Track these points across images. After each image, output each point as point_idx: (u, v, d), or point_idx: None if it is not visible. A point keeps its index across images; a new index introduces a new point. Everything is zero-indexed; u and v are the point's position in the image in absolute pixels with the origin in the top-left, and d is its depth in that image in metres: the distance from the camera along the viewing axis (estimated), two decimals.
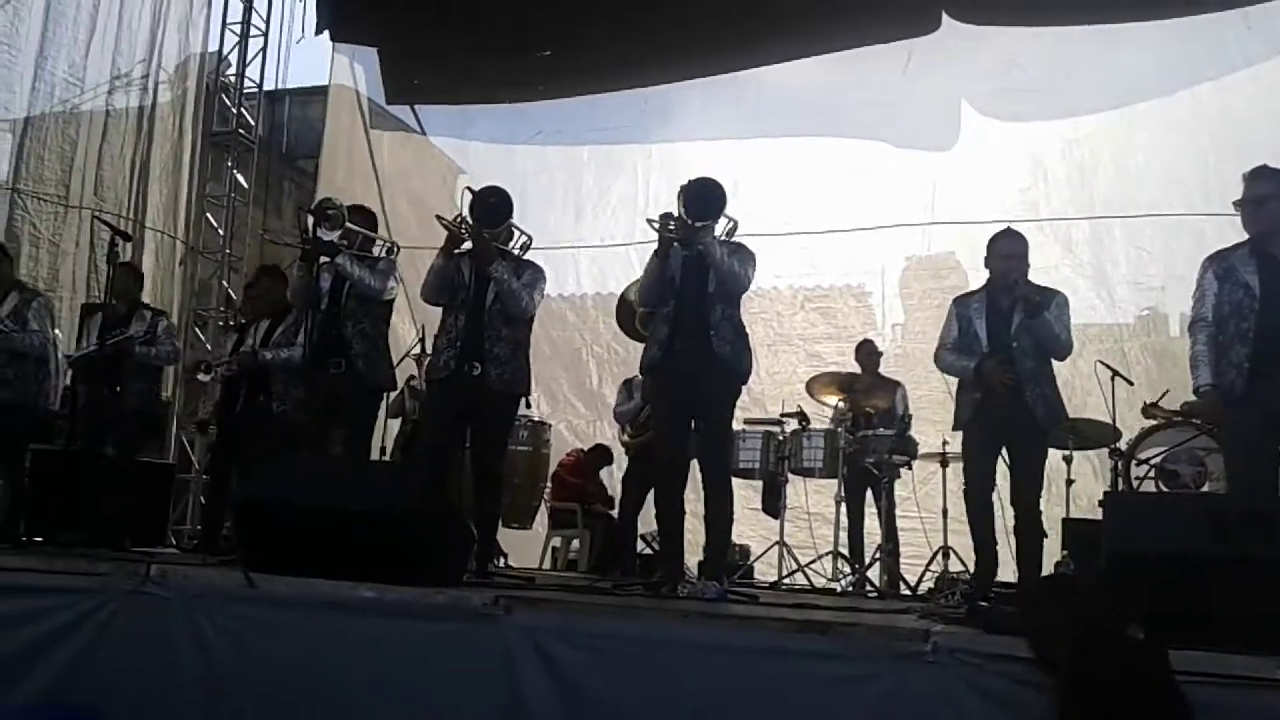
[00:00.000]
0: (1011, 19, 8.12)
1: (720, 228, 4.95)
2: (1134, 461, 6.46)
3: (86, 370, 6.41)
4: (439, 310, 5.38)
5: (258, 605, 3.87)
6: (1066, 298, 5.22)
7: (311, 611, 3.83)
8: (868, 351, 7.42)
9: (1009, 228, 5.36)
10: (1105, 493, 6.12)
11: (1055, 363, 5.23)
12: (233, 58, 10.53)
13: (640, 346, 7.24)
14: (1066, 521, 6.24)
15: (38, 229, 8.98)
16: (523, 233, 5.36)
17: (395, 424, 8.01)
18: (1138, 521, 3.63)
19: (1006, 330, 5.13)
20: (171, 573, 4.02)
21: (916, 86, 8.43)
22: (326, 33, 10.05)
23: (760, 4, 8.54)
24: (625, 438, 7.35)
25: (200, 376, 6.97)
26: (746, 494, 6.96)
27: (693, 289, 4.88)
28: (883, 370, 7.47)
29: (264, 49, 10.59)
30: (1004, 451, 5.18)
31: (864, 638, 3.40)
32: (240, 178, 10.48)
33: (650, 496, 6.95)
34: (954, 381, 5.45)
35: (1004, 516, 5.38)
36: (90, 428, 6.36)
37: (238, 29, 10.52)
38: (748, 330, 5.01)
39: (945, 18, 8.02)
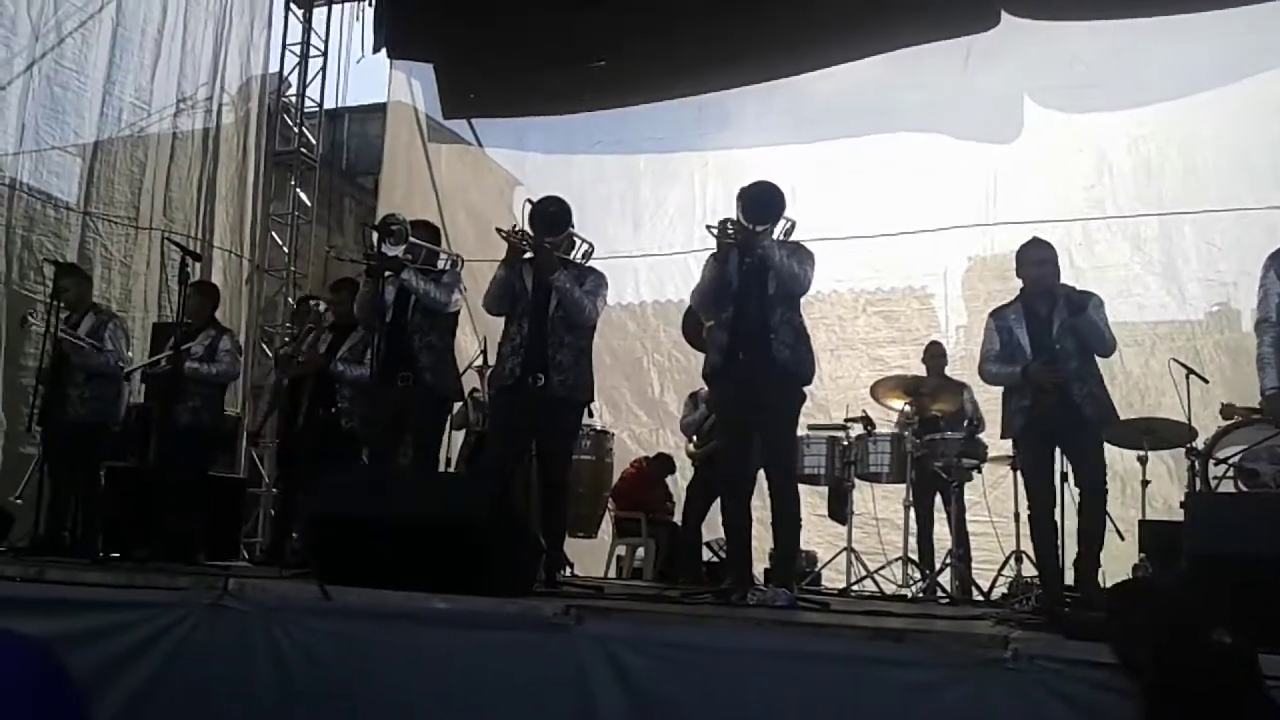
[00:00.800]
0: (1070, 13, 8.01)
1: (778, 228, 4.92)
2: (1211, 461, 6.30)
3: (153, 388, 6.53)
4: (501, 322, 5.41)
5: (332, 617, 3.89)
6: (1102, 299, 5.26)
7: (385, 623, 3.85)
8: (935, 354, 7.34)
9: (1035, 237, 5.42)
10: (1186, 493, 5.96)
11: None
12: (293, 78, 10.74)
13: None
14: (1144, 524, 6.11)
15: (109, 251, 9.21)
16: (584, 240, 5.38)
17: (459, 435, 8.06)
18: (1221, 522, 3.54)
19: (1048, 334, 5.16)
20: (249, 586, 4.07)
21: (976, 82, 8.37)
22: (384, 50, 10.20)
23: (815, 7, 8.51)
24: (691, 448, 7.33)
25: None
26: (813, 500, 6.90)
27: (752, 294, 4.83)
28: (948, 373, 7.37)
29: (323, 68, 10.81)
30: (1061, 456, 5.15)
31: (941, 644, 3.34)
32: (303, 196, 10.68)
33: (716, 504, 7.02)
34: None
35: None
36: (156, 444, 6.47)
37: (297, 49, 10.72)
38: (809, 333, 4.97)
39: (1004, 14, 7.94)
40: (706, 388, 7.10)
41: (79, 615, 4.16)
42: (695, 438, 7.25)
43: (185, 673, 3.98)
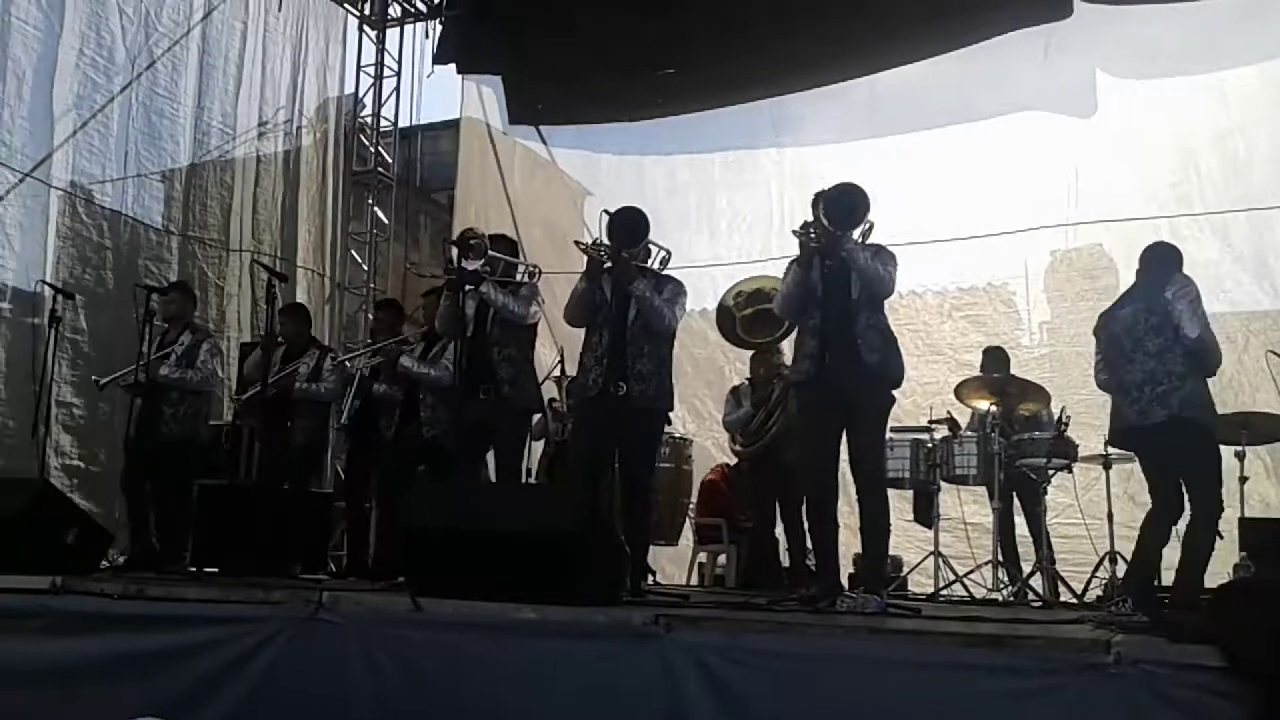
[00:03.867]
0: None
1: (858, 230, 4.86)
2: None
3: (259, 407, 6.67)
4: (579, 333, 5.43)
5: (425, 629, 3.94)
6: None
7: (476, 634, 3.88)
8: (997, 358, 7.18)
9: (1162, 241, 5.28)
10: None
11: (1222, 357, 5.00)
12: (367, 99, 10.94)
13: (743, 355, 7.25)
14: (1243, 521, 5.91)
15: (206, 273, 9.51)
16: (661, 248, 5.38)
17: (538, 445, 8.10)
18: None
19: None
20: (342, 599, 4.13)
21: (1052, 72, 8.21)
22: (453, 66, 10.33)
23: (887, 6, 8.43)
24: (737, 447, 7.28)
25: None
26: (898, 505, 6.81)
27: (836, 298, 4.79)
28: (1036, 370, 7.24)
29: (397, 88, 10.98)
30: None
31: (1040, 650, 3.27)
32: (380, 214, 10.86)
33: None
34: None
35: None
36: (263, 462, 6.61)
37: (371, 70, 10.91)
38: (896, 336, 4.91)
39: (1077, 2, 7.81)
40: (747, 384, 7.14)
41: (178, 631, 4.27)
42: (739, 435, 7.16)
43: (282, 686, 4.06)
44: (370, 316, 10.19)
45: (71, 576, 4.62)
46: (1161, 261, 5.11)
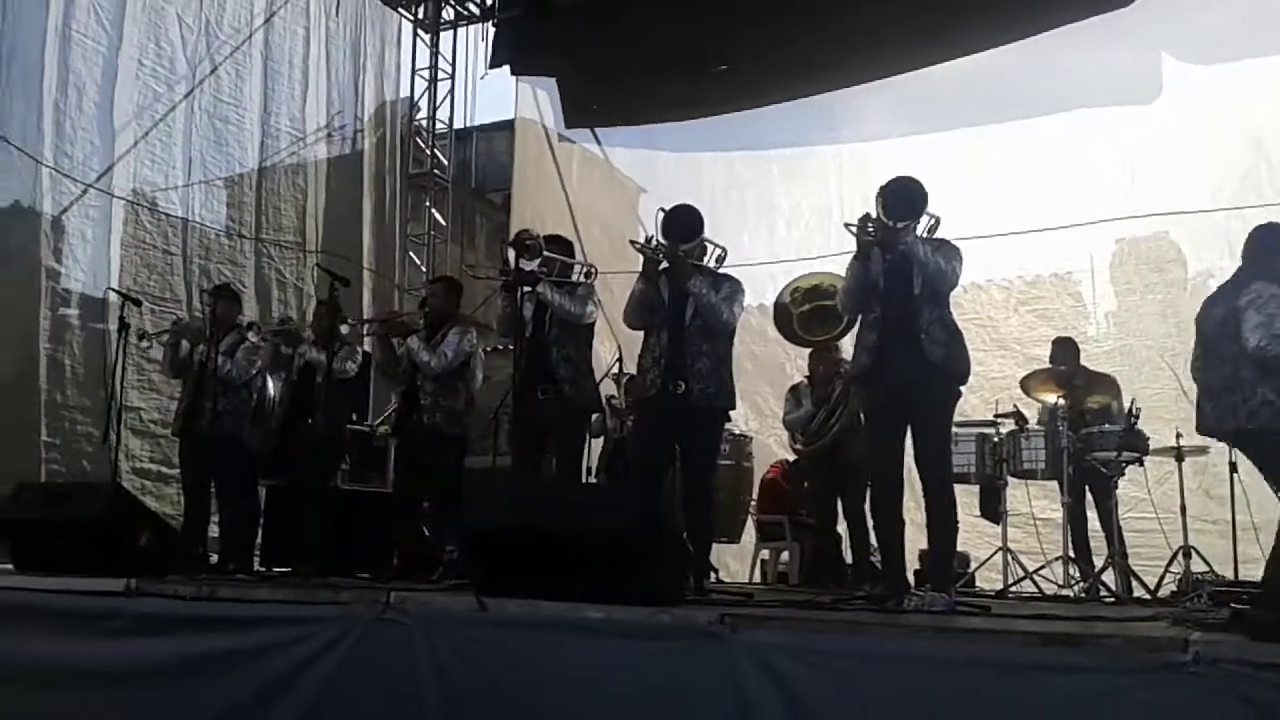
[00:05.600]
0: None
1: (921, 225, 4.79)
2: None
3: (289, 403, 6.75)
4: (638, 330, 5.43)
5: (490, 628, 3.95)
6: None
7: (542, 633, 3.88)
8: (1068, 349, 7.03)
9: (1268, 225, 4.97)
10: None
11: None
12: (422, 101, 11.04)
13: (803, 351, 7.18)
14: None
15: (283, 274, 9.70)
16: (717, 246, 5.35)
17: (597, 443, 8.10)
18: None
19: None
20: (410, 599, 4.16)
21: (1115, 59, 8.04)
22: (507, 68, 10.38)
23: (936, 2, 8.33)
24: (798, 446, 7.22)
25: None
26: (964, 500, 6.71)
27: (898, 292, 4.71)
28: (1104, 363, 7.10)
29: (451, 90, 11.07)
30: None
31: (1116, 648, 3.19)
32: (437, 215, 10.96)
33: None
34: (1187, 376, 5.11)
35: (1249, 511, 5.01)
36: (292, 458, 6.64)
37: (425, 73, 11.01)
38: (962, 330, 4.83)
39: None
40: (806, 383, 7.07)
41: (248, 632, 4.33)
42: (800, 434, 7.09)
43: (351, 686, 4.09)
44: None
45: (144, 579, 4.70)
46: (1257, 257, 4.93)
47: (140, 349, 7.57)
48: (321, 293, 8.90)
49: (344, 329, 6.51)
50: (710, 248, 5.33)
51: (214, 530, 6.92)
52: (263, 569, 6.77)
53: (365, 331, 7.01)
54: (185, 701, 4.31)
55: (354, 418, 7.55)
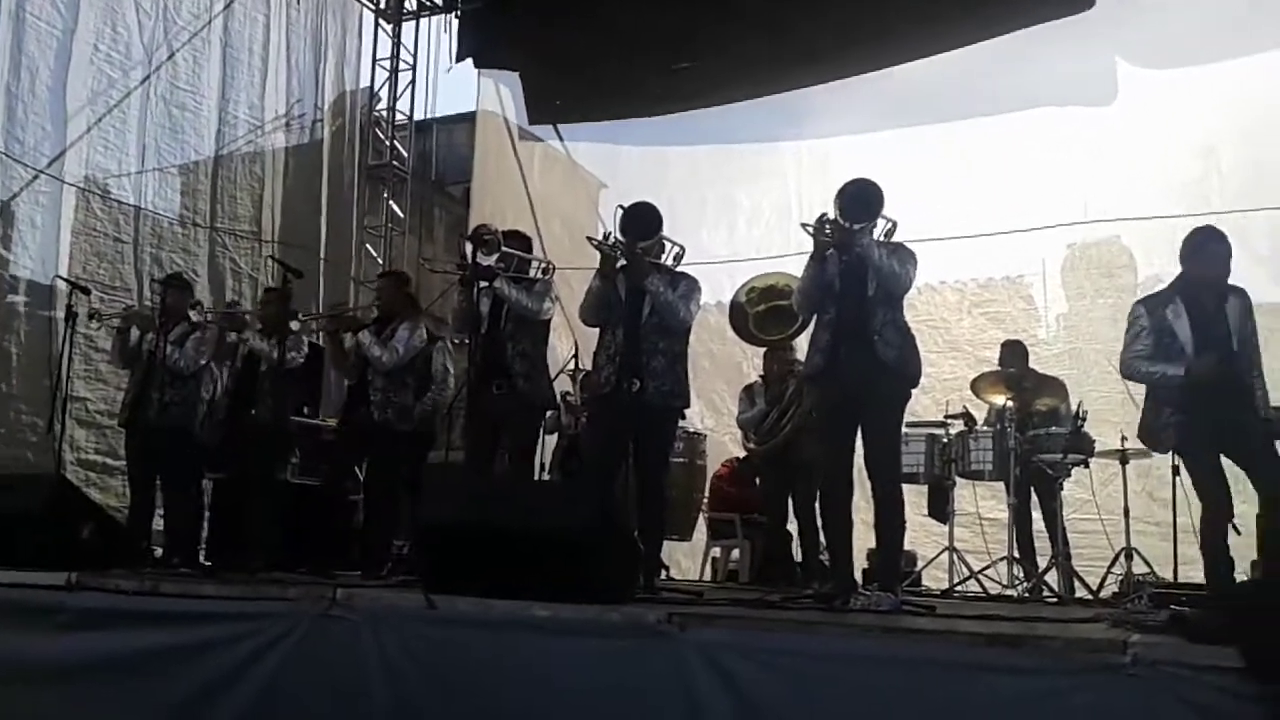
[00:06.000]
0: None
1: (879, 228, 4.83)
2: None
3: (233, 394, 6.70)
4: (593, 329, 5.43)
5: (439, 626, 3.94)
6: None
7: (490, 631, 3.88)
8: (1016, 353, 7.13)
9: (1211, 226, 5.08)
10: None
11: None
12: (383, 92, 10.95)
13: (760, 350, 7.23)
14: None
15: (238, 264, 9.56)
16: (675, 244, 5.36)
17: (551, 439, 8.09)
18: None
19: (1220, 331, 4.84)
20: (358, 596, 4.14)
21: (1072, 62, 8.15)
22: (470, 61, 10.32)
23: (901, 3, 8.39)
24: (751, 445, 7.26)
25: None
26: (913, 499, 6.78)
27: (853, 294, 4.75)
28: (1053, 365, 7.20)
29: (412, 81, 10.98)
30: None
31: (1058, 650, 3.25)
32: (395, 208, 10.87)
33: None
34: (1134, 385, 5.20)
35: (1190, 514, 5.08)
36: (237, 450, 6.56)
37: (387, 64, 10.92)
38: (914, 333, 4.88)
39: None
40: (760, 382, 7.11)
41: (192, 628, 4.29)
42: (753, 434, 7.13)
43: (297, 682, 4.07)
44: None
45: (87, 573, 4.63)
46: (1182, 260, 5.05)
47: (90, 328, 7.45)
48: (277, 284, 8.82)
49: (294, 325, 6.45)
50: (668, 245, 5.34)
51: (159, 524, 6.82)
52: (208, 563, 6.68)
53: (314, 327, 6.93)
54: (129, 698, 4.26)
55: (304, 410, 7.46)
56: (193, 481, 6.78)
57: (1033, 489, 6.78)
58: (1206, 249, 4.92)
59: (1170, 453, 5.06)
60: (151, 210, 9.00)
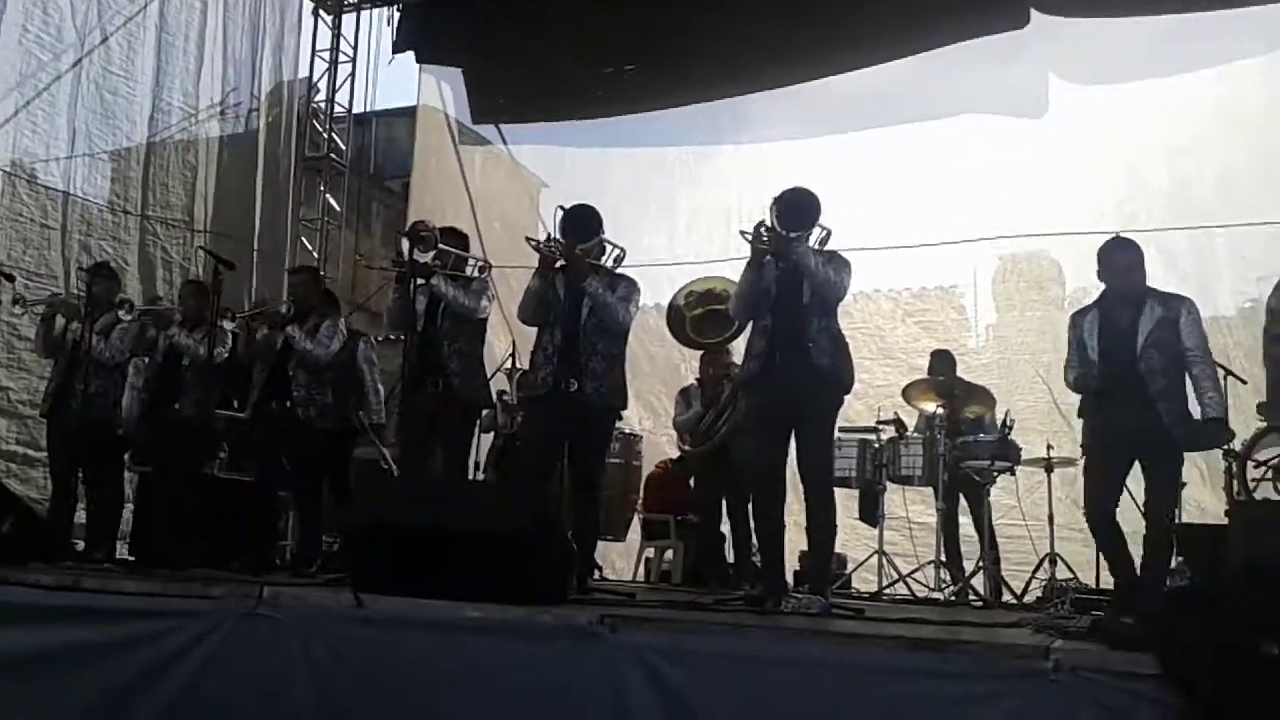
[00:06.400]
0: (1100, 10, 7.95)
1: (814, 236, 4.88)
2: (1250, 463, 6.20)
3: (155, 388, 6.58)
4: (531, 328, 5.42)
5: (368, 626, 3.90)
6: (1195, 305, 4.97)
7: (419, 632, 3.85)
8: (945, 362, 7.24)
9: (1120, 236, 5.12)
10: (1236, 501, 5.85)
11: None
12: (322, 83, 10.80)
13: (695, 354, 7.27)
14: (1180, 527, 6.01)
15: (169, 253, 9.35)
16: (615, 246, 5.37)
17: (487, 438, 8.05)
18: (1270, 530, 3.48)
19: (1128, 345, 4.84)
20: (283, 594, 4.08)
21: (1006, 76, 8.30)
22: (411, 54, 10.21)
23: (847, 11, 8.48)
24: (686, 447, 7.29)
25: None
26: (844, 503, 6.86)
27: (788, 301, 4.80)
28: (982, 375, 7.32)
29: (352, 74, 10.85)
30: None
31: (981, 655, 3.31)
32: (332, 201, 10.73)
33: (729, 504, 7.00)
34: (1060, 390, 5.31)
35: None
36: (161, 444, 6.45)
37: (326, 55, 10.77)
38: (848, 341, 4.94)
39: (1033, 12, 7.89)
40: (696, 385, 7.15)
41: (113, 624, 4.19)
42: (689, 436, 7.16)
43: (220, 682, 4.00)
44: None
45: (5, 566, 4.51)
46: (1099, 273, 5.11)
47: (14, 314, 7.25)
48: (207, 275, 8.66)
49: (226, 324, 6.35)
50: (609, 248, 5.35)
51: (81, 517, 6.66)
52: (130, 558, 6.54)
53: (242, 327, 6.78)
54: (45, 696, 4.15)
55: (235, 404, 7.32)
56: (115, 475, 6.62)
57: (961, 495, 6.89)
58: (1113, 259, 4.97)
59: None
60: (80, 196, 8.77)
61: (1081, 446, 5.10)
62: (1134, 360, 4.80)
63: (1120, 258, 4.94)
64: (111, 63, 9.01)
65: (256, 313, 6.85)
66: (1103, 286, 5.09)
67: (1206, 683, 2.85)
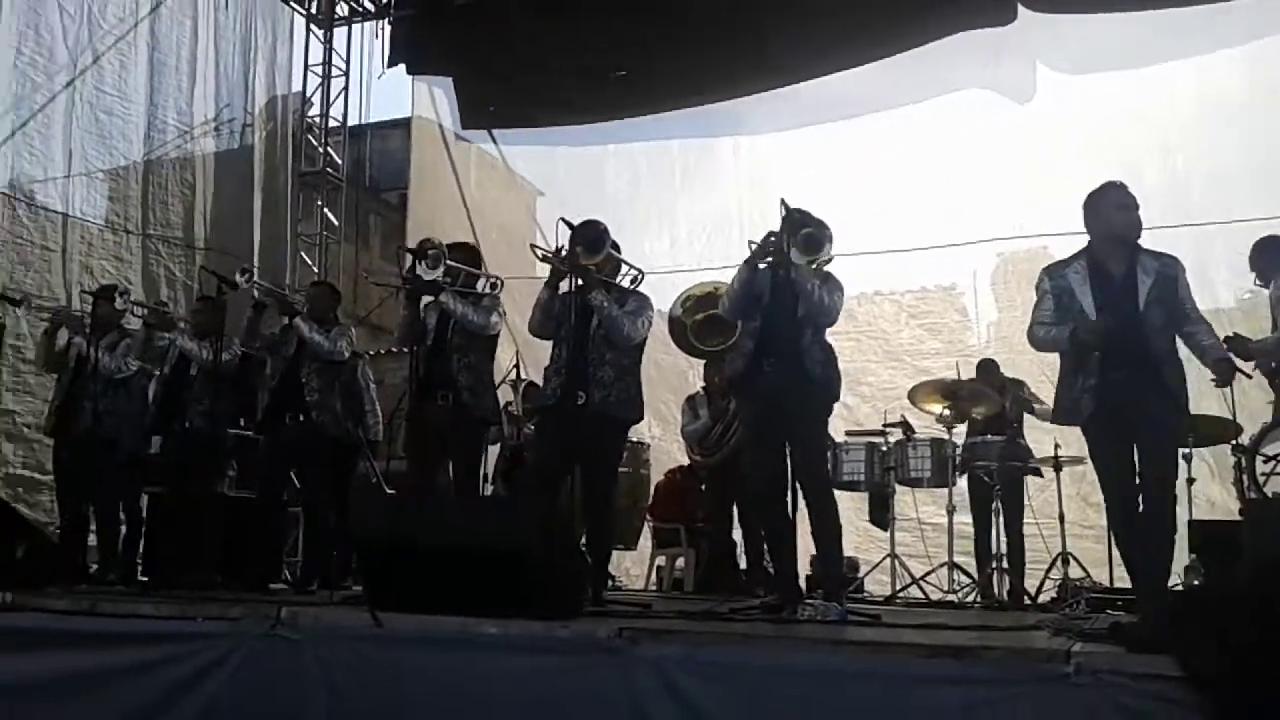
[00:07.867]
0: (1088, 6, 7.97)
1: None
2: (1259, 457, 6.19)
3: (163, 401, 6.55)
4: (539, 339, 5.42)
5: (385, 645, 3.88)
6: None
7: (437, 649, 3.84)
8: (988, 369, 7.19)
9: (1109, 181, 4.50)
10: (1249, 498, 5.81)
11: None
12: (315, 98, 10.81)
13: (699, 363, 7.26)
14: (1194, 524, 6.00)
15: (172, 271, 9.36)
16: (632, 267, 5.39)
17: (494, 450, 8.03)
18: None
19: (1128, 298, 4.29)
20: (301, 615, 4.07)
21: (998, 71, 8.34)
22: (403, 66, 10.23)
23: (835, 11, 8.49)
24: (696, 457, 7.29)
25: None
26: (857, 506, 6.88)
27: (782, 309, 4.78)
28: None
29: (345, 87, 10.86)
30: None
31: (1000, 660, 3.31)
32: (330, 215, 10.73)
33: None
34: None
35: None
36: (173, 462, 6.42)
37: (319, 70, 10.78)
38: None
39: (1020, 8, 7.91)
40: (703, 392, 7.15)
41: (132, 648, 4.18)
42: (698, 446, 7.15)
43: (240, 703, 3.98)
44: None
45: (21, 592, 4.50)
46: None
47: (19, 338, 7.23)
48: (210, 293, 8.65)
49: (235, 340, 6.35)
50: (625, 269, 5.37)
51: (93, 539, 6.65)
52: (145, 580, 6.53)
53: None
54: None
55: (240, 422, 7.31)
56: (129, 495, 6.60)
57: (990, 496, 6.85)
58: (1107, 198, 4.44)
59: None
60: (80, 217, 8.77)
61: (1055, 409, 4.62)
62: (1138, 316, 4.29)
63: (1116, 195, 4.43)
64: (105, 82, 9.02)
65: (271, 290, 6.76)
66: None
67: (1225, 682, 2.85)
